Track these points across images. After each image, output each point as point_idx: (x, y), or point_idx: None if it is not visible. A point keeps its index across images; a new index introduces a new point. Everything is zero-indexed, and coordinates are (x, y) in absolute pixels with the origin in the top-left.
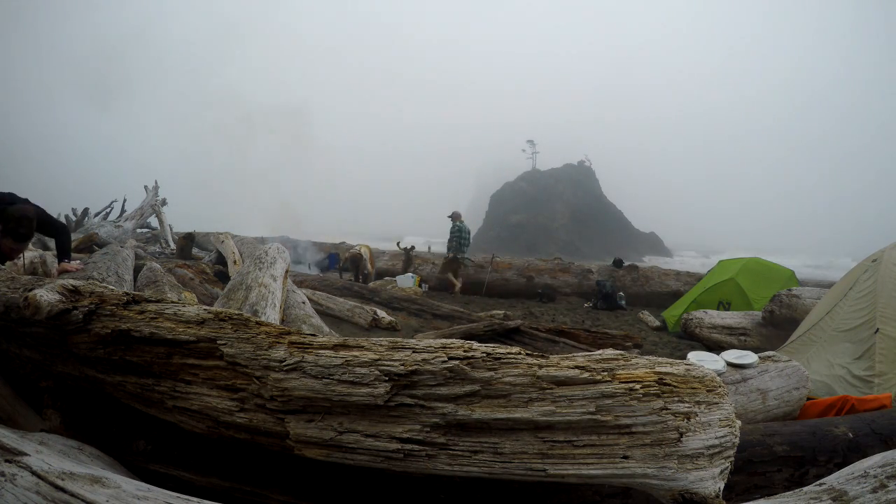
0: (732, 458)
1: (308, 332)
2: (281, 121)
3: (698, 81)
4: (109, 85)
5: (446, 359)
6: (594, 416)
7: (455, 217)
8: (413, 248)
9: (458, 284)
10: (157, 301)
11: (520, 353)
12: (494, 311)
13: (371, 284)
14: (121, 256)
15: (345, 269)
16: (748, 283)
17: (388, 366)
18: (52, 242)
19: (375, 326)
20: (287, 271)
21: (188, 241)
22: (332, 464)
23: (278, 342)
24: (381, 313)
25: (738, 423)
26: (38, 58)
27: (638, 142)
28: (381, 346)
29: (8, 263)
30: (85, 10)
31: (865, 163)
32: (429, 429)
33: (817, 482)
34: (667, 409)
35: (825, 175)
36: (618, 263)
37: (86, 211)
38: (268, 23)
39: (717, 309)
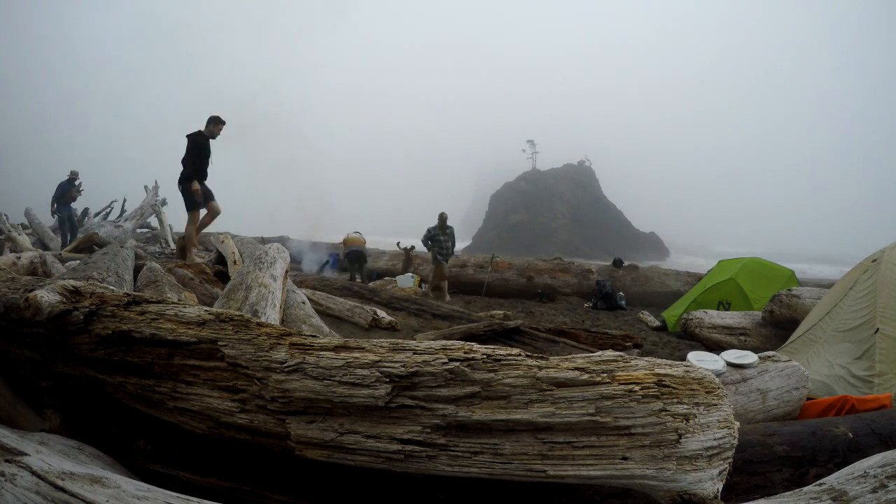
0: (731, 460)
1: (308, 332)
2: (280, 122)
3: (699, 81)
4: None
5: (447, 360)
6: (594, 418)
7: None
8: (413, 248)
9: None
10: (158, 302)
11: (520, 355)
12: (494, 311)
13: (371, 284)
14: (121, 256)
15: (344, 268)
16: (748, 283)
17: (388, 367)
18: (52, 243)
19: (375, 326)
20: (287, 271)
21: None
22: (333, 464)
23: (279, 343)
24: (381, 313)
25: (737, 424)
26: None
27: (638, 142)
28: (381, 347)
29: (9, 263)
30: (82, 10)
31: (868, 164)
32: (429, 430)
33: (817, 482)
34: (666, 410)
35: (827, 175)
36: (618, 263)
37: (86, 211)
38: (264, 24)
39: (717, 309)
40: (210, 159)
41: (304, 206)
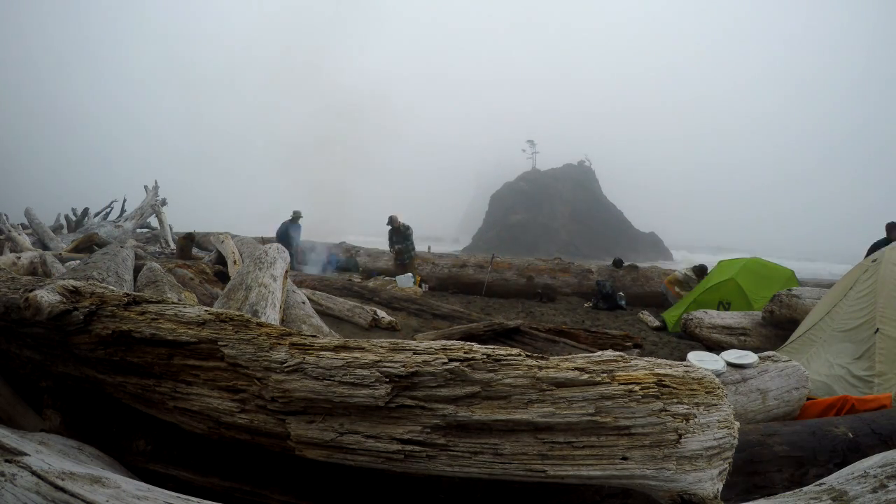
0: (731, 460)
1: (308, 332)
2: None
3: (700, 81)
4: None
5: (447, 360)
6: (594, 418)
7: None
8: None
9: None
10: (158, 302)
11: (520, 355)
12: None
13: (371, 284)
14: (121, 256)
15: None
16: (748, 283)
17: (388, 367)
18: (52, 243)
19: (375, 326)
20: (287, 271)
21: (188, 241)
22: (333, 464)
23: (279, 343)
24: (381, 313)
25: (737, 424)
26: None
27: (638, 142)
28: (381, 347)
29: (9, 263)
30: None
31: (870, 163)
32: (429, 430)
33: (817, 482)
34: (666, 410)
35: (829, 174)
36: (618, 263)
37: (86, 211)
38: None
39: (717, 309)
40: None
41: (320, 206)
